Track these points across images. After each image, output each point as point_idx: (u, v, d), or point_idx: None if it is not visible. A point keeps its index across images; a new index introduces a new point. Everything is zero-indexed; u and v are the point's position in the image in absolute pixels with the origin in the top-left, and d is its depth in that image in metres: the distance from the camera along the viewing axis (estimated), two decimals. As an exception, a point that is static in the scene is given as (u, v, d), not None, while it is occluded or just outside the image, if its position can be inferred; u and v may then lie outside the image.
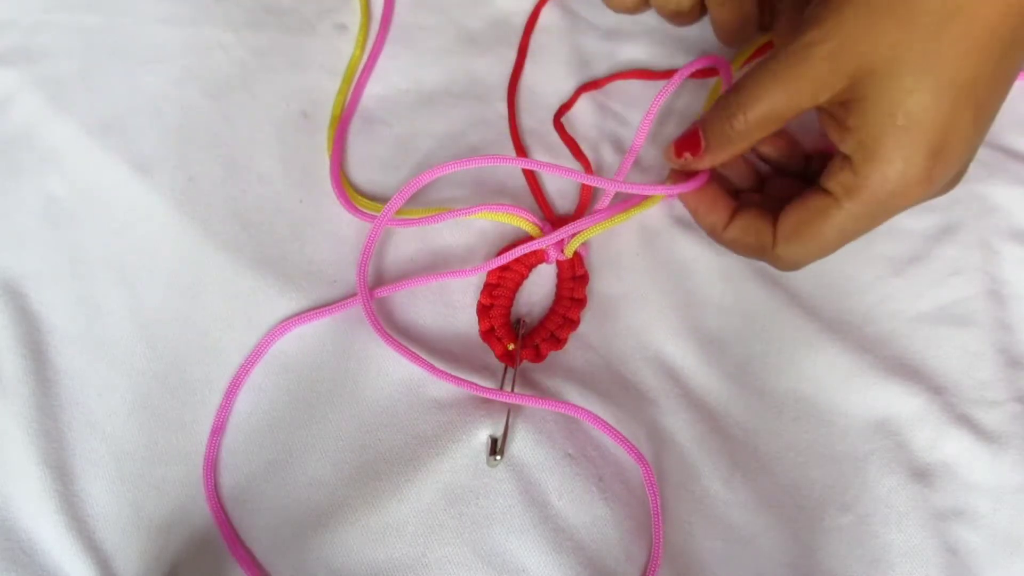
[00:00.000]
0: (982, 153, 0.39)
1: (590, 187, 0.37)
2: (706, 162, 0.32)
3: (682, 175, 0.33)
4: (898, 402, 0.34)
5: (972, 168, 0.38)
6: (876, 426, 0.33)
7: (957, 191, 0.37)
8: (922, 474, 0.33)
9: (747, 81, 0.29)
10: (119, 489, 0.31)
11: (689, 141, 0.32)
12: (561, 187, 0.38)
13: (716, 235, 0.33)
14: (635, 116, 0.40)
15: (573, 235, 0.34)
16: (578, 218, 0.36)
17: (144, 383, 0.33)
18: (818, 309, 0.35)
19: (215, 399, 0.33)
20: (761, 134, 0.30)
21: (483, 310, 0.35)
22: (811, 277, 0.36)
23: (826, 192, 0.29)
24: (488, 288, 0.35)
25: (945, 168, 0.28)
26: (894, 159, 0.27)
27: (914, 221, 0.37)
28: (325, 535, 0.31)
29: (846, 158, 0.28)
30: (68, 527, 0.30)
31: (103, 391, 0.33)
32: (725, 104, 0.30)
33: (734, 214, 0.32)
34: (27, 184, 0.36)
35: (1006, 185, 0.38)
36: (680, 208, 0.37)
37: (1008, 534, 0.32)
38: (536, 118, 0.40)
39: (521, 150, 0.39)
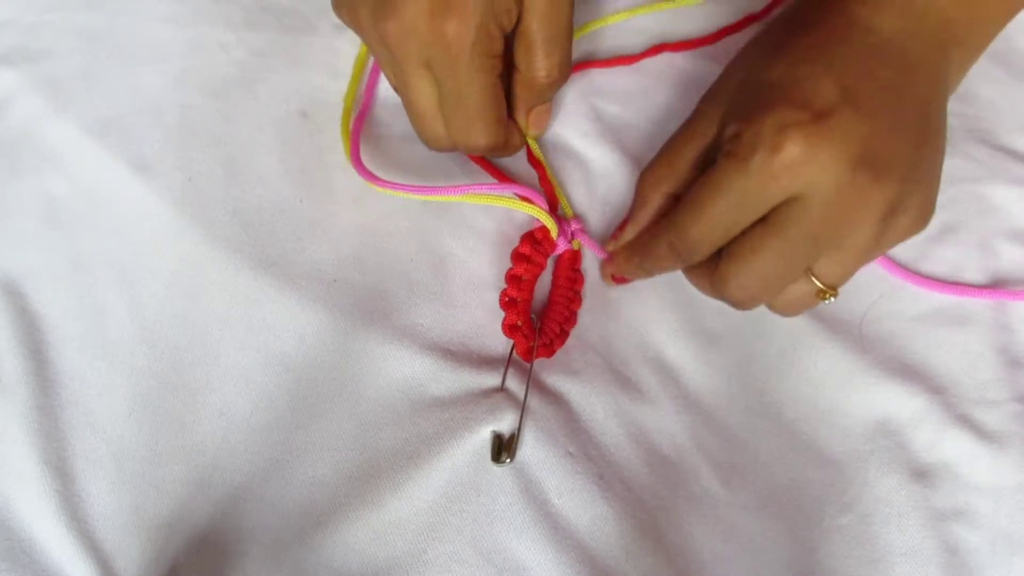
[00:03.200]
0: (982, 153, 0.39)
1: (547, 185, 0.37)
2: (627, 233, 0.34)
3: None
4: (898, 402, 0.34)
5: (972, 168, 0.39)
6: (876, 426, 0.33)
7: (957, 191, 0.38)
8: (922, 474, 0.33)
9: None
10: (119, 489, 0.31)
11: (622, 225, 0.35)
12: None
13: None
14: (611, 103, 0.40)
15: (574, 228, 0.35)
16: (553, 208, 0.37)
17: (144, 383, 0.33)
18: (818, 309, 0.35)
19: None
20: (671, 185, 0.32)
21: (510, 304, 0.34)
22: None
23: (714, 163, 0.29)
24: (514, 281, 0.34)
25: (823, 127, 0.27)
26: (762, 116, 0.27)
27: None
28: (326, 534, 0.31)
29: (735, 133, 0.28)
30: (68, 527, 0.30)
31: (103, 391, 0.33)
32: (640, 176, 0.34)
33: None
34: (27, 184, 0.36)
35: (1006, 185, 0.38)
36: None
37: (1008, 534, 0.32)
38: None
39: (486, 164, 0.38)
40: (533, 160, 0.38)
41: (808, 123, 0.27)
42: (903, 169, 0.28)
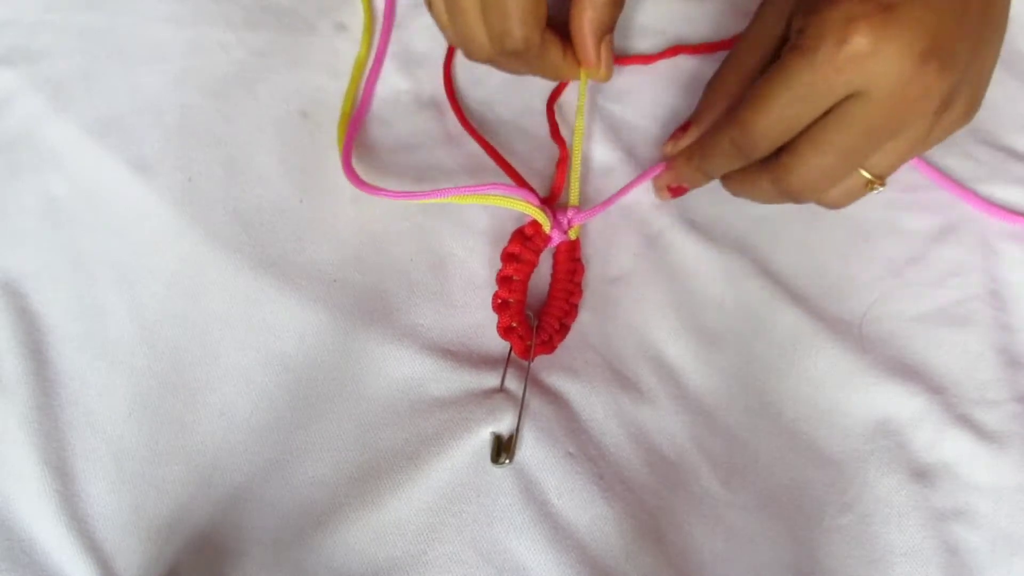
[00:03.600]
0: (982, 153, 0.39)
1: (564, 168, 0.37)
2: (692, 133, 0.35)
3: None
4: (898, 402, 0.34)
5: (972, 168, 0.38)
6: (876, 426, 0.33)
7: (957, 190, 0.38)
8: (922, 474, 0.33)
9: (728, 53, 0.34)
10: (119, 489, 0.31)
11: (684, 126, 0.35)
12: (539, 168, 0.38)
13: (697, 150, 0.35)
14: (612, 102, 0.40)
15: (573, 217, 0.35)
16: (555, 197, 0.37)
17: (144, 383, 0.33)
18: (818, 309, 0.35)
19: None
20: (742, 88, 0.33)
21: (503, 307, 0.33)
22: (811, 277, 0.36)
23: (778, 59, 0.29)
24: (504, 282, 0.34)
25: (891, 19, 0.27)
26: (828, 9, 0.27)
27: (914, 221, 0.37)
28: (326, 534, 0.31)
29: (800, 28, 0.29)
30: (68, 527, 0.30)
31: (103, 391, 0.33)
32: (710, 80, 0.34)
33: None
34: (27, 184, 0.36)
35: (1006, 185, 0.38)
36: (682, 208, 0.37)
37: (1008, 534, 0.32)
38: (522, 108, 0.40)
39: (494, 151, 0.38)
40: (559, 139, 0.38)
41: (875, 15, 0.26)
42: (964, 63, 0.28)
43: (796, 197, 0.32)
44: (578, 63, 0.36)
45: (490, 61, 0.34)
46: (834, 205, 0.33)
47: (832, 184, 0.31)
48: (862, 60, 0.27)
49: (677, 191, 0.36)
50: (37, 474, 0.31)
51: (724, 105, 0.33)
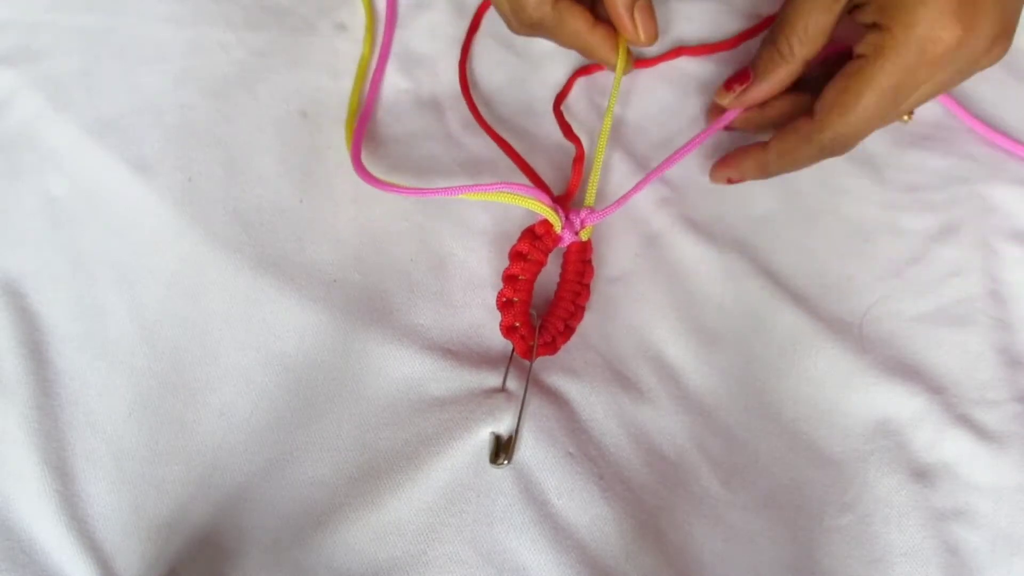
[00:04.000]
0: (982, 153, 0.39)
1: (580, 167, 0.37)
2: (754, 93, 0.34)
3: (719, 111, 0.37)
4: (898, 402, 0.34)
5: (972, 168, 0.38)
6: (876, 426, 0.33)
7: (957, 191, 0.38)
8: (922, 474, 0.33)
9: (786, 8, 0.32)
10: (119, 489, 0.31)
11: (739, 77, 0.35)
12: (548, 171, 0.38)
13: (759, 120, 0.36)
14: (619, 101, 0.40)
15: (587, 217, 0.34)
16: (570, 196, 0.36)
17: (144, 383, 0.33)
18: (818, 309, 0.35)
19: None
20: (805, 51, 0.32)
21: (507, 306, 0.33)
22: (811, 277, 0.36)
23: (859, 56, 0.30)
24: (510, 281, 0.33)
25: (977, 10, 0.28)
26: (912, 9, 0.28)
27: (914, 221, 0.37)
28: (325, 534, 0.31)
29: (875, 23, 0.29)
30: (68, 527, 0.30)
31: (103, 391, 0.33)
32: (770, 36, 0.33)
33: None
34: (27, 184, 0.36)
35: (1006, 185, 0.38)
36: (682, 208, 0.37)
37: (1008, 534, 0.32)
38: (523, 109, 0.40)
39: (510, 149, 0.38)
40: (573, 138, 0.37)
41: (962, 10, 0.28)
42: (1018, 24, 0.30)
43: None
44: (611, 39, 0.36)
45: (522, 33, 0.35)
46: None
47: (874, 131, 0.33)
48: (949, 55, 0.28)
49: (735, 180, 0.37)
50: (37, 474, 0.31)
51: (789, 70, 0.33)
